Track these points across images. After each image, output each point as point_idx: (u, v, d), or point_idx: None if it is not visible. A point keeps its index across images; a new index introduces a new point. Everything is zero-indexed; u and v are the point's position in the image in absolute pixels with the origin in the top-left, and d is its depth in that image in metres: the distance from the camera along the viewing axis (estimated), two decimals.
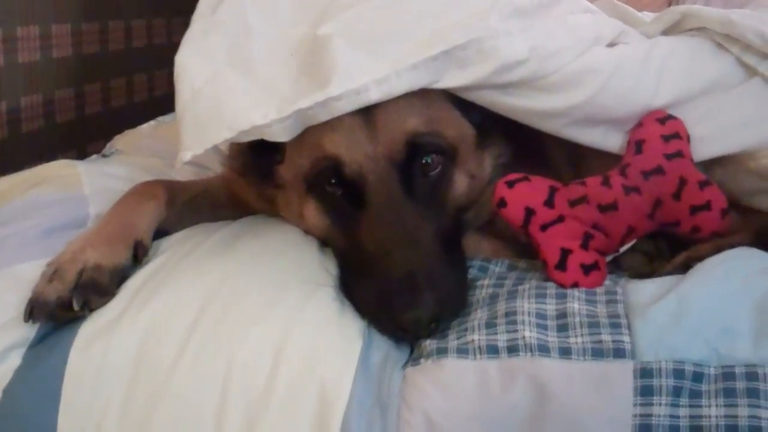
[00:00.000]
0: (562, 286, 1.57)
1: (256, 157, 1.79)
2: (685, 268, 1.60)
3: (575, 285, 1.57)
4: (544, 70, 1.66)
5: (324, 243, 1.73)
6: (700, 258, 1.61)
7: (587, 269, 1.59)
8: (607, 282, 1.60)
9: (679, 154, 1.68)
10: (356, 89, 1.56)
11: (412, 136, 1.64)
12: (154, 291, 1.55)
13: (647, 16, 2.08)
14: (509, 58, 1.62)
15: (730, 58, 1.77)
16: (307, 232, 1.75)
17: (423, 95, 1.64)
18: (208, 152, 1.61)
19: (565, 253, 1.59)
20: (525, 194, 1.62)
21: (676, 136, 1.70)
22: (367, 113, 1.62)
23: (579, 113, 1.70)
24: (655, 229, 1.69)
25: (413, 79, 1.59)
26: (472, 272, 1.70)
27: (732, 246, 1.64)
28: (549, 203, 1.62)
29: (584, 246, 1.61)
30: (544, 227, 1.61)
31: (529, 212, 1.61)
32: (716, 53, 1.78)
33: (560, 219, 1.61)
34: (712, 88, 1.76)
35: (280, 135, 1.60)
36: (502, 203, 1.62)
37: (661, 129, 1.70)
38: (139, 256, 1.66)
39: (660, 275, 1.61)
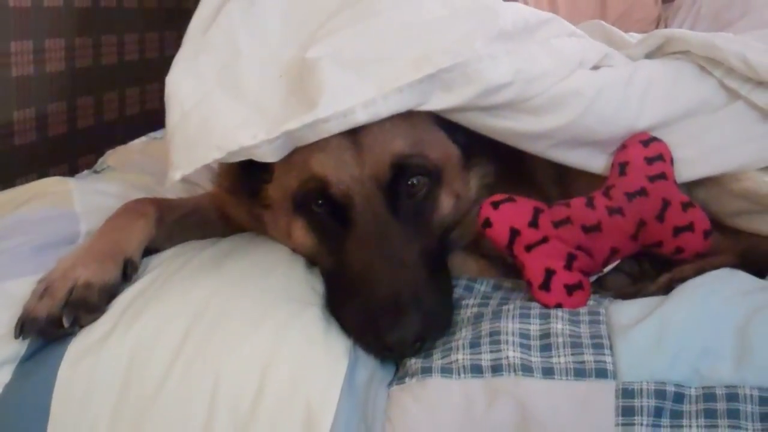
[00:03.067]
0: (545, 306, 1.58)
1: (245, 176, 1.80)
2: (668, 288, 1.61)
3: (559, 305, 1.58)
4: (528, 93, 1.67)
5: (311, 262, 1.74)
6: (683, 279, 1.62)
7: (571, 289, 1.60)
8: (590, 302, 1.61)
9: (662, 176, 1.70)
10: (344, 111, 1.57)
11: (397, 157, 1.66)
12: (143, 308, 1.56)
13: (634, 37, 2.10)
14: (493, 82, 1.64)
15: (713, 81, 1.79)
16: (294, 250, 1.76)
17: (409, 117, 1.66)
18: (198, 170, 1.61)
19: (549, 273, 1.60)
20: (510, 215, 1.63)
21: (660, 158, 1.72)
22: (354, 135, 1.64)
23: (563, 135, 1.72)
24: (638, 250, 1.70)
25: (399, 101, 1.60)
26: (458, 291, 1.71)
27: (715, 267, 1.65)
28: (533, 224, 1.62)
29: (568, 266, 1.62)
30: (528, 248, 1.62)
31: (514, 233, 1.62)
32: (699, 76, 1.80)
33: (544, 240, 1.62)
34: (696, 111, 1.77)
35: (269, 155, 1.61)
36: (487, 224, 1.63)
37: (644, 151, 1.72)
38: (128, 273, 1.67)
39: (643, 296, 1.62)
